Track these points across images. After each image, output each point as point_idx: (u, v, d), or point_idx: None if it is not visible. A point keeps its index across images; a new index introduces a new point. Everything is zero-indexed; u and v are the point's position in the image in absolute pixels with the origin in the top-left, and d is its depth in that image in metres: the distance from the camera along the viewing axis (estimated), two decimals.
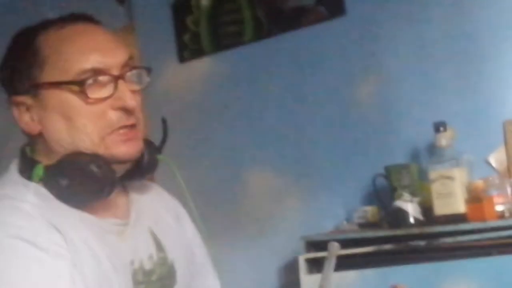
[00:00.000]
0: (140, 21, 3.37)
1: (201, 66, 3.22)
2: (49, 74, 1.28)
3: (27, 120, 1.30)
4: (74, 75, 1.26)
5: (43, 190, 1.29)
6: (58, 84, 1.27)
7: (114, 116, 1.28)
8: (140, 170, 1.39)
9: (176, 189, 1.54)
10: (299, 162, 2.89)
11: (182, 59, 3.26)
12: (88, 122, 1.27)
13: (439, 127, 2.33)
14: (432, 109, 2.54)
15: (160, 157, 1.43)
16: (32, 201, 1.25)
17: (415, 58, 2.64)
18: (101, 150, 1.28)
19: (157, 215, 1.49)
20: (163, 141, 1.46)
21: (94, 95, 1.27)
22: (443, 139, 2.32)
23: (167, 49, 3.24)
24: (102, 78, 1.28)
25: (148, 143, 1.41)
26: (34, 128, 1.30)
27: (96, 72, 1.27)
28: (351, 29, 2.77)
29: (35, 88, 1.28)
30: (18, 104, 1.31)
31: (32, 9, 3.36)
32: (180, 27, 3.25)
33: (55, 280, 1.18)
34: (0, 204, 1.25)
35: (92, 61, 1.28)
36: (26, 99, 1.29)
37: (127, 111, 1.29)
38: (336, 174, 2.78)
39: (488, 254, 2.11)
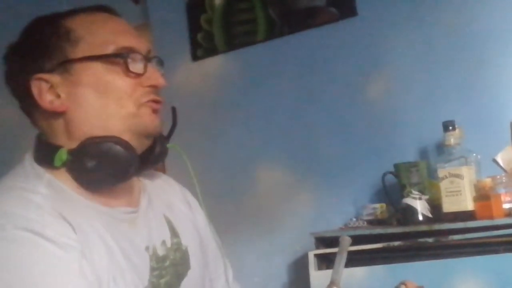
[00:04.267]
0: (155, 19, 3.40)
1: (214, 64, 3.25)
2: (84, 51, 1.31)
3: (51, 98, 1.32)
4: (112, 51, 1.32)
5: (55, 181, 1.30)
6: (96, 58, 1.31)
7: (143, 92, 1.35)
8: (152, 157, 1.43)
9: (185, 178, 1.58)
10: (309, 159, 2.92)
11: (195, 57, 3.29)
12: (124, 95, 1.32)
13: (448, 126, 2.35)
14: (441, 108, 2.56)
15: (170, 145, 1.47)
16: (43, 192, 1.26)
17: (424, 58, 2.66)
18: (136, 121, 1.33)
19: (170, 202, 1.52)
20: (172, 129, 1.50)
21: (130, 69, 1.33)
22: (452, 138, 2.34)
23: (181, 48, 3.27)
24: (136, 56, 1.34)
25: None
26: (60, 107, 1.32)
27: (131, 50, 1.34)
28: (361, 29, 2.80)
29: (67, 65, 1.31)
30: (40, 83, 1.32)
31: (46, 5, 3.39)
32: (194, 26, 3.28)
33: (63, 271, 1.19)
34: (11, 195, 1.26)
35: (127, 40, 1.35)
36: (52, 77, 1.31)
37: (156, 89, 1.37)
38: (346, 171, 2.81)
39: (496, 251, 2.12)
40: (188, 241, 1.48)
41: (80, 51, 1.31)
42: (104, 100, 1.31)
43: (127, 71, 1.33)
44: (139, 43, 1.37)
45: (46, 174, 1.31)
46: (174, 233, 1.46)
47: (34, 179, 1.30)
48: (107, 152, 1.29)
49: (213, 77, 3.25)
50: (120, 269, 1.28)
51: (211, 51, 3.26)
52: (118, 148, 1.29)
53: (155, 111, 1.36)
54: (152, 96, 1.36)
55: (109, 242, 1.29)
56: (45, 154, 1.32)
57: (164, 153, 1.46)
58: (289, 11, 3.01)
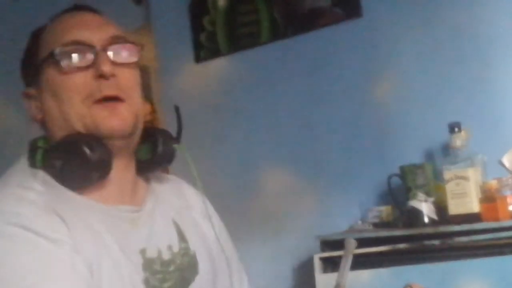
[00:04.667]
0: (157, 21, 3.39)
1: (217, 66, 3.24)
2: (41, 57, 1.32)
3: (32, 109, 1.35)
4: (50, 51, 1.29)
5: (50, 179, 1.29)
6: (43, 62, 1.30)
7: (95, 85, 1.28)
8: (155, 159, 1.41)
9: (188, 180, 1.56)
10: (314, 161, 2.91)
11: (198, 59, 3.28)
12: (70, 92, 1.28)
13: (453, 127, 2.35)
14: (447, 110, 2.56)
15: (177, 146, 1.43)
16: (38, 189, 1.26)
17: (429, 59, 2.65)
18: (88, 122, 1.28)
19: (181, 207, 1.49)
20: (179, 129, 1.46)
21: (70, 64, 1.28)
22: (458, 140, 2.34)
23: (184, 49, 3.27)
24: (80, 48, 1.29)
25: (163, 132, 1.43)
26: (36, 116, 1.35)
27: (75, 43, 1.29)
28: (366, 30, 2.80)
29: (35, 76, 1.33)
30: (27, 97, 1.36)
31: (49, 8, 3.39)
32: (196, 27, 3.27)
33: (54, 265, 1.18)
34: (4, 191, 1.26)
35: (73, 34, 1.31)
36: (31, 90, 1.35)
37: (104, 78, 1.28)
38: (351, 174, 2.80)
39: (502, 253, 2.12)
40: (197, 246, 1.44)
41: (40, 57, 1.32)
42: (58, 102, 1.30)
43: (66, 67, 1.28)
44: (92, 34, 1.31)
45: (41, 172, 1.31)
46: (182, 237, 1.43)
47: (29, 176, 1.30)
48: (71, 151, 1.27)
49: (216, 79, 3.24)
50: (116, 265, 1.26)
51: (214, 53, 3.25)
52: (81, 146, 1.26)
53: (112, 110, 1.30)
54: (105, 92, 1.29)
55: (106, 238, 1.27)
56: (30, 156, 1.33)
57: (169, 154, 1.43)
58: (293, 12, 3.00)
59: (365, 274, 2.19)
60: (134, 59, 1.35)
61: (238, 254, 1.70)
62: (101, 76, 1.28)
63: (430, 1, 2.66)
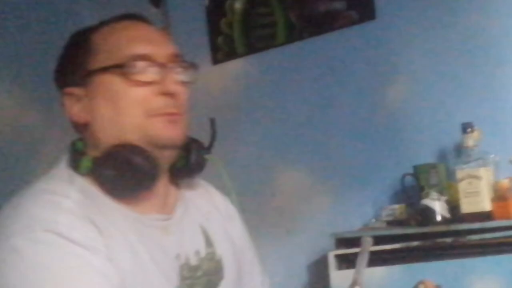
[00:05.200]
0: (175, 23, 3.41)
1: (234, 67, 3.27)
2: (101, 62, 1.32)
3: (76, 111, 1.34)
4: (123, 60, 1.31)
5: (88, 187, 1.31)
6: (105, 69, 1.31)
7: (157, 102, 1.31)
8: (188, 168, 1.42)
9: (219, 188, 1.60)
10: (329, 161, 2.94)
11: (215, 61, 3.30)
12: (132, 104, 1.30)
13: (466, 128, 2.38)
14: (459, 110, 2.58)
15: (208, 156, 1.46)
16: (74, 197, 1.27)
17: (442, 60, 2.68)
18: (145, 131, 1.30)
19: (207, 211, 1.50)
20: (212, 140, 1.48)
21: (138, 78, 1.30)
22: (470, 140, 2.37)
23: (201, 51, 3.28)
24: (148, 64, 1.31)
25: (195, 142, 1.44)
26: (82, 119, 1.34)
27: (144, 58, 1.31)
28: (380, 32, 2.82)
29: (86, 77, 1.32)
30: (69, 96, 1.34)
31: (69, 12, 3.42)
32: (214, 30, 3.30)
33: (88, 273, 1.20)
34: (42, 198, 1.26)
35: (141, 48, 1.33)
36: (77, 90, 1.33)
37: (171, 97, 1.32)
38: (365, 173, 2.83)
39: None
40: (222, 251, 1.46)
41: (97, 62, 1.33)
42: (115, 111, 1.31)
43: (129, 80, 1.31)
44: (159, 49, 1.34)
45: (79, 179, 1.33)
46: (209, 242, 1.45)
47: (67, 183, 1.31)
48: (125, 162, 1.28)
49: (233, 80, 3.27)
50: (147, 275, 1.29)
51: (231, 55, 3.28)
52: (135, 157, 1.28)
53: (171, 121, 1.33)
54: (168, 109, 1.32)
55: (138, 248, 1.29)
56: (75, 161, 1.34)
57: (201, 164, 1.45)
58: (309, 14, 3.03)
59: (379, 271, 2.21)
60: (192, 79, 1.38)
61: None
62: (167, 94, 1.31)
63: (443, 3, 2.69)
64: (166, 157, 1.35)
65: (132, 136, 1.30)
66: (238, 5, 3.23)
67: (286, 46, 3.09)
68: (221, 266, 1.45)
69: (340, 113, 2.92)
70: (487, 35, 2.59)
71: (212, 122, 1.50)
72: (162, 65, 1.32)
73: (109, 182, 1.30)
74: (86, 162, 1.32)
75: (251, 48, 3.22)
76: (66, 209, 1.24)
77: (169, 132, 1.32)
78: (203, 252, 1.42)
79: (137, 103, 1.30)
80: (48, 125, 3.09)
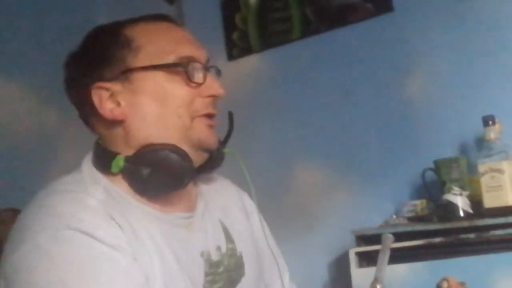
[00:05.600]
0: (190, 19, 3.39)
1: (250, 63, 3.25)
2: (145, 60, 1.33)
3: (111, 106, 1.33)
4: (173, 61, 1.33)
5: (113, 187, 1.32)
6: (157, 68, 1.32)
7: (202, 103, 1.35)
8: (210, 163, 1.42)
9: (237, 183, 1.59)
10: (348, 156, 2.91)
11: (230, 57, 3.29)
12: (181, 105, 1.33)
13: (488, 121, 2.33)
14: (480, 103, 2.54)
15: (226, 150, 1.47)
16: (99, 196, 1.28)
17: (462, 52, 2.64)
18: (190, 133, 1.33)
19: (226, 207, 1.52)
20: (229, 134, 1.50)
21: (191, 79, 1.33)
22: (492, 133, 2.32)
23: (216, 47, 3.25)
24: (196, 65, 1.34)
25: None
26: (119, 115, 1.33)
27: (191, 59, 1.34)
28: (398, 25, 2.79)
29: (128, 74, 1.32)
30: (101, 91, 1.33)
31: (83, 10, 3.42)
32: (229, 25, 3.29)
33: (112, 271, 1.20)
34: (66, 196, 1.28)
35: (187, 50, 1.35)
36: (113, 86, 1.33)
37: (215, 99, 1.37)
38: (385, 168, 2.79)
39: None
40: (242, 247, 1.47)
41: (141, 60, 1.33)
42: (162, 110, 1.32)
43: (188, 80, 1.33)
44: (199, 52, 1.37)
45: (104, 179, 1.33)
46: (229, 238, 1.46)
47: (91, 184, 1.32)
48: (163, 160, 1.29)
49: (249, 76, 3.25)
50: (173, 276, 1.29)
51: (247, 51, 3.26)
52: (174, 156, 1.30)
53: (211, 126, 1.37)
54: (210, 109, 1.36)
55: (163, 248, 1.30)
56: (103, 160, 1.34)
57: (221, 159, 1.46)
58: (324, 8, 3.00)
59: (401, 268, 2.19)
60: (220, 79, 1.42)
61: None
62: (213, 97, 1.36)
63: None
64: (201, 159, 1.38)
65: (175, 135, 1.32)
66: (252, 0, 3.21)
67: (302, 41, 3.07)
68: (242, 262, 1.46)
69: (359, 108, 2.89)
70: (507, 26, 2.55)
71: (230, 116, 1.51)
72: (206, 68, 1.36)
73: (143, 181, 1.31)
74: (119, 161, 1.31)
75: (267, 44, 3.20)
76: (91, 208, 1.25)
77: (211, 137, 1.36)
78: (224, 248, 1.43)
79: (184, 103, 1.33)
80: (64, 125, 3.11)
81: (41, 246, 1.19)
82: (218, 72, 1.43)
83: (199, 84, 1.34)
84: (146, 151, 1.31)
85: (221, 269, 1.40)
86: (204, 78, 1.35)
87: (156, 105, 1.32)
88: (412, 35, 2.76)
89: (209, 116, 1.36)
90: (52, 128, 3.24)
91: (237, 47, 3.28)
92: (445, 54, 2.68)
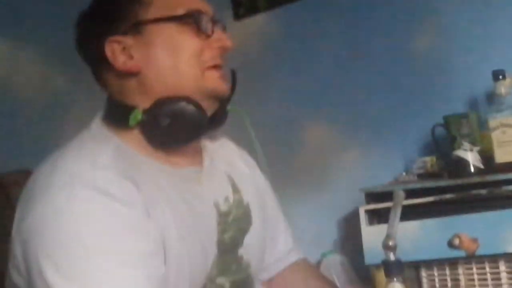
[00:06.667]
0: None
1: (257, 22, 3.22)
2: (155, 13, 1.37)
3: (125, 59, 1.37)
4: (184, 12, 1.38)
5: (123, 145, 1.35)
6: (168, 19, 1.37)
7: (210, 54, 1.39)
8: (216, 120, 1.46)
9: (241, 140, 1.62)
10: (356, 114, 2.89)
11: (237, 16, 3.26)
12: (192, 55, 1.37)
13: (498, 75, 2.29)
14: (490, 57, 2.50)
15: (231, 108, 1.51)
16: (110, 154, 1.30)
17: (471, 6, 2.60)
18: (202, 83, 1.37)
19: (230, 160, 1.57)
20: (232, 91, 1.51)
21: (201, 30, 1.38)
22: (502, 87, 2.28)
23: (223, 7, 3.22)
24: (204, 17, 1.39)
25: None
26: (133, 67, 1.37)
27: (200, 12, 1.39)
28: None
29: (139, 27, 1.37)
30: (114, 45, 1.37)
31: None
32: None
33: (126, 227, 1.22)
34: (79, 156, 1.30)
35: (196, 3, 1.41)
36: (126, 39, 1.37)
37: (224, 51, 1.42)
38: (394, 125, 2.78)
39: None
40: (249, 197, 1.53)
41: (152, 13, 1.37)
42: (175, 60, 1.36)
43: (198, 31, 1.38)
44: (206, 7, 1.43)
45: (114, 138, 1.36)
46: (235, 189, 1.51)
47: (101, 142, 1.34)
48: (181, 111, 1.33)
49: (256, 36, 3.22)
50: (188, 228, 1.32)
51: (253, 10, 3.22)
52: (191, 107, 1.34)
53: (222, 76, 1.41)
54: (218, 61, 1.40)
55: (177, 201, 1.33)
56: (118, 115, 1.38)
57: (225, 116, 1.50)
58: None
59: (412, 225, 2.16)
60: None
61: (283, 209, 1.73)
62: (222, 48, 1.41)
63: None
64: (212, 108, 1.42)
65: (189, 85, 1.36)
66: None
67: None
68: (249, 212, 1.52)
69: (367, 64, 2.86)
70: None
71: (233, 73, 1.52)
72: (213, 21, 1.41)
73: (161, 133, 1.34)
74: (137, 114, 1.35)
75: (273, 2, 3.14)
76: (103, 165, 1.27)
77: (223, 85, 1.41)
78: (231, 198, 1.48)
79: (195, 53, 1.37)
80: (75, 88, 3.13)
81: (55, 205, 1.21)
82: (224, 28, 1.46)
83: (208, 36, 1.38)
84: (164, 102, 1.34)
85: (230, 219, 1.45)
86: (212, 30, 1.40)
87: (168, 56, 1.36)
88: None
89: (217, 67, 1.41)
90: (63, 91, 3.29)
91: (243, 6, 3.24)
92: (455, 6, 2.64)
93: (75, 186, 1.22)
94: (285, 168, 2.99)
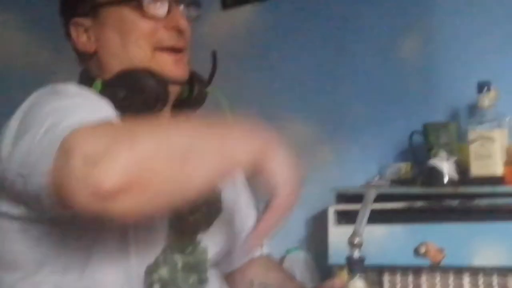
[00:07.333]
0: None
1: (244, 13, 3.18)
2: None
3: (84, 40, 1.42)
4: None
5: None
6: (120, 2, 1.38)
7: (166, 35, 1.39)
8: (190, 101, 1.49)
9: None
10: (335, 113, 2.86)
11: (225, 6, 3.21)
12: (141, 36, 1.38)
13: (483, 86, 2.26)
14: (475, 67, 2.48)
15: (210, 89, 1.51)
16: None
17: (461, 14, 2.57)
18: (151, 65, 1.37)
19: None
20: (212, 73, 1.53)
21: (149, 11, 1.38)
22: (486, 100, 2.26)
23: None
24: None
25: (196, 75, 1.50)
26: (91, 47, 1.41)
27: None
28: None
29: (96, 9, 1.39)
30: (77, 26, 1.42)
31: None
32: None
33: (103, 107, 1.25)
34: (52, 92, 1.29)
35: None
36: (85, 21, 1.41)
37: (179, 32, 1.40)
38: (372, 128, 2.75)
39: None
40: (223, 187, 1.52)
41: None
42: (125, 41, 1.38)
43: (144, 12, 1.38)
44: None
45: None
46: None
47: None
48: (138, 83, 1.35)
49: (242, 27, 3.18)
50: None
51: (241, 0, 3.17)
52: (149, 80, 1.35)
53: (176, 61, 1.41)
54: (173, 42, 1.40)
55: None
56: (84, 85, 1.38)
57: (203, 97, 1.52)
58: None
59: (380, 229, 2.16)
60: (197, 15, 1.46)
61: (254, 202, 1.72)
62: (176, 29, 1.40)
63: None
64: (172, 92, 1.41)
65: (140, 66, 1.37)
66: None
67: None
68: (220, 198, 1.51)
69: (350, 65, 2.84)
70: None
71: (214, 55, 1.53)
72: (171, 1, 1.40)
73: (119, 103, 1.34)
74: (97, 84, 1.38)
75: None
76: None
77: (176, 71, 1.40)
78: None
79: (145, 35, 1.38)
80: (57, 61, 3.11)
81: (40, 96, 1.26)
82: (195, 5, 1.46)
83: (158, 17, 1.38)
84: (122, 74, 1.37)
85: (200, 202, 1.42)
86: (169, 10, 1.39)
87: (120, 37, 1.39)
88: None
89: (175, 50, 1.40)
90: (45, 64, 3.25)
91: None
92: (443, 15, 2.62)
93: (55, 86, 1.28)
94: None
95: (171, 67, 1.40)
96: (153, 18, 1.38)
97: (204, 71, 1.54)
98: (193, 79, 1.48)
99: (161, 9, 1.39)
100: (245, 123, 1.15)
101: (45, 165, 1.02)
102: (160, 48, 1.39)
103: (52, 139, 1.03)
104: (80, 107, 1.17)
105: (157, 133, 1.02)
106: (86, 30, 1.41)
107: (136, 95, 1.35)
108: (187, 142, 1.02)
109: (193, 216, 1.44)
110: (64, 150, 0.99)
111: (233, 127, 1.13)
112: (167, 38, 1.39)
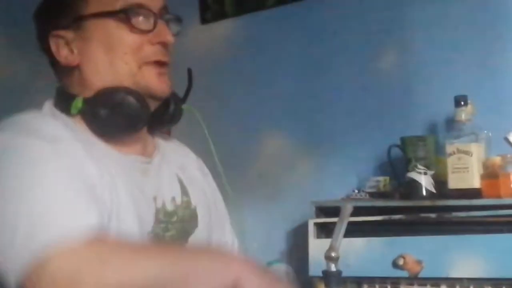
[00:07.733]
0: None
1: (223, 28, 3.21)
2: (94, 8, 1.37)
3: (66, 53, 1.39)
4: (121, 7, 1.36)
5: (72, 124, 1.36)
6: (105, 15, 1.36)
7: (151, 49, 1.39)
8: (166, 117, 1.49)
9: (192, 141, 1.62)
10: (314, 128, 2.88)
11: (204, 20, 3.24)
12: (128, 51, 1.37)
13: (460, 101, 2.28)
14: (453, 82, 2.50)
15: (185, 106, 1.52)
16: (58, 124, 1.31)
17: (440, 30, 2.59)
18: (137, 79, 1.37)
19: (182, 164, 1.56)
20: (188, 90, 1.53)
21: (137, 25, 1.37)
22: (463, 114, 2.28)
23: (190, 10, 3.21)
24: (144, 12, 1.38)
25: (172, 92, 1.48)
26: (73, 61, 1.39)
27: (139, 6, 1.38)
28: None
29: (79, 21, 1.37)
30: (57, 39, 1.39)
31: None
32: None
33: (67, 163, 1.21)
34: (22, 122, 1.29)
35: None
36: (67, 33, 1.38)
37: (164, 47, 1.40)
38: (351, 142, 2.76)
39: (500, 231, 2.06)
40: (197, 201, 1.52)
41: (91, 7, 1.37)
42: (111, 56, 1.37)
43: (131, 27, 1.37)
44: (151, 0, 1.40)
45: (64, 117, 1.38)
46: (184, 191, 1.50)
47: (49, 117, 1.36)
48: (120, 102, 1.34)
49: (221, 41, 3.21)
50: (125, 208, 1.31)
51: (220, 15, 3.21)
52: (130, 99, 1.34)
53: (161, 74, 1.40)
54: (159, 57, 1.39)
55: (118, 183, 1.32)
56: (63, 103, 1.39)
57: (178, 114, 1.52)
58: None
59: (359, 242, 2.17)
60: (175, 31, 1.45)
61: (234, 215, 1.72)
62: (162, 43, 1.39)
63: None
64: (152, 105, 1.41)
65: (124, 82, 1.36)
66: None
67: (276, 9, 3.02)
68: (196, 215, 1.51)
69: (329, 80, 2.86)
70: (489, 6, 2.50)
71: (189, 72, 1.55)
72: (156, 16, 1.39)
73: (100, 122, 1.35)
74: (78, 103, 1.36)
75: (241, 9, 3.14)
76: (52, 123, 1.31)
77: (160, 85, 1.40)
78: (179, 199, 1.47)
79: (131, 49, 1.37)
80: (34, 74, 3.10)
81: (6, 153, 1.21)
82: (177, 21, 1.46)
83: (145, 31, 1.38)
84: (104, 92, 1.35)
85: (174, 219, 1.44)
86: (154, 25, 1.38)
87: (105, 52, 1.37)
88: (387, 9, 2.71)
89: (159, 63, 1.40)
90: (21, 76, 3.29)
91: (211, 11, 3.22)
92: (421, 29, 2.64)
93: (21, 134, 1.24)
94: (240, 176, 2.95)
95: (156, 81, 1.39)
96: (139, 32, 1.38)
97: (183, 86, 1.55)
98: (168, 96, 1.47)
99: (147, 24, 1.38)
100: (217, 251, 1.19)
101: (17, 273, 1.06)
102: (145, 63, 1.38)
103: (25, 253, 1.06)
104: (56, 205, 1.14)
105: (128, 265, 1.06)
106: (67, 43, 1.39)
107: (118, 114, 1.34)
108: (155, 274, 1.05)
109: (169, 233, 1.43)
110: (36, 272, 1.04)
111: (203, 256, 1.12)
112: (153, 53, 1.39)
